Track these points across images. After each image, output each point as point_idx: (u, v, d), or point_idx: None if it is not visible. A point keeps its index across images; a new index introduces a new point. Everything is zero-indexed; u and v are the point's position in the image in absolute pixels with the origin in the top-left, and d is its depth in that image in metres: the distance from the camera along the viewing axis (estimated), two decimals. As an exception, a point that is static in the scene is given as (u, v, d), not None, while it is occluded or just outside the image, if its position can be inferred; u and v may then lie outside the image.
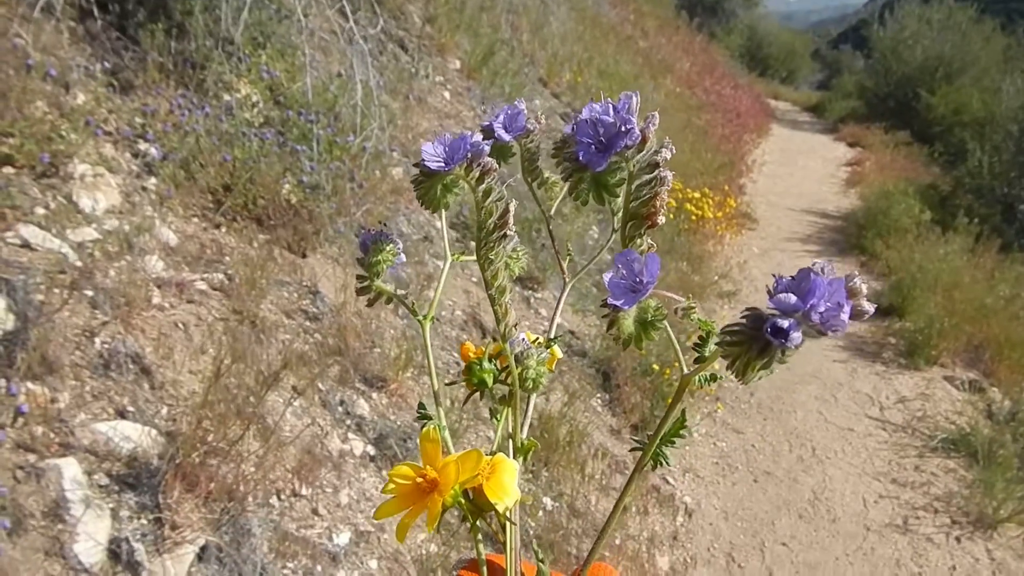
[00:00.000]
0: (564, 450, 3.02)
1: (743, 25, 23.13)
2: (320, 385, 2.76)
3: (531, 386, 0.62)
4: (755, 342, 0.44)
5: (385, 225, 0.73)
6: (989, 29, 14.56)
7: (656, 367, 3.93)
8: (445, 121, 5.19)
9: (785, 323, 0.41)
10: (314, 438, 2.53)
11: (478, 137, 0.57)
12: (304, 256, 3.30)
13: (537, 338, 0.66)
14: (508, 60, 6.79)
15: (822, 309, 0.41)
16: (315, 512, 2.33)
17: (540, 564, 0.57)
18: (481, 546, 0.60)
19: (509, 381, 0.62)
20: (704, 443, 3.90)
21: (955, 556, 3.32)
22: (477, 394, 0.67)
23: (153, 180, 3.08)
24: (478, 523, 0.58)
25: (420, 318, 0.67)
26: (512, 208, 0.58)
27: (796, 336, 0.41)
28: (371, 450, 2.68)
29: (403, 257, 0.70)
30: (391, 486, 0.57)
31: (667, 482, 3.44)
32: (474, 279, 4.05)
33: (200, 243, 2.98)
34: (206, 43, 3.56)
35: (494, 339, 0.66)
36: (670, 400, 0.57)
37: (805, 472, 3.79)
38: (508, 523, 0.59)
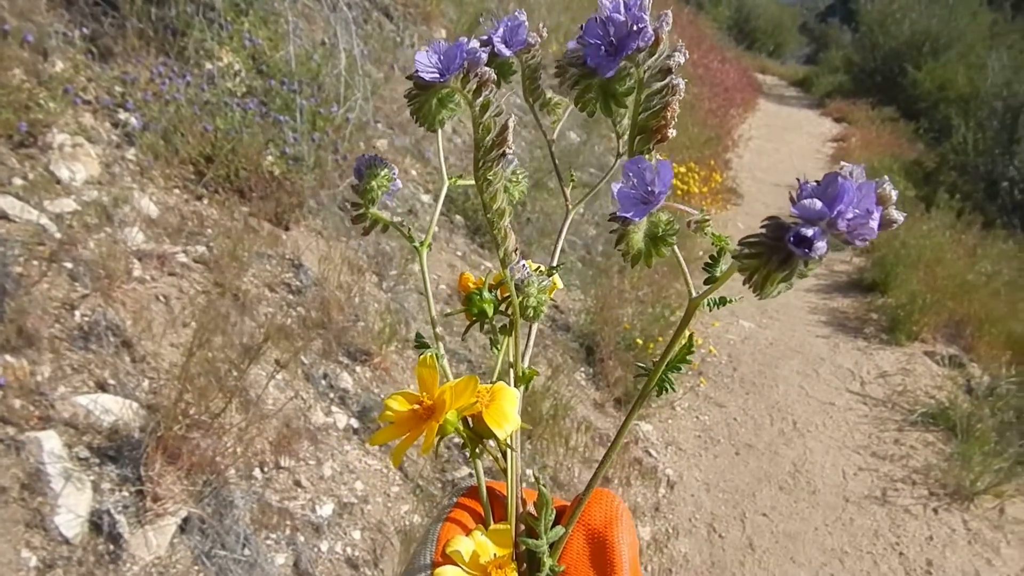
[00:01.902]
0: (548, 424, 3.03)
1: (731, -2, 22.98)
2: (303, 358, 2.75)
3: (532, 315, 0.61)
4: (776, 253, 0.41)
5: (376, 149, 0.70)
6: (976, 4, 14.54)
7: (640, 341, 3.95)
8: (430, 93, 5.13)
9: (809, 231, 0.38)
10: (297, 411, 2.52)
11: (475, 43, 0.53)
12: (287, 229, 3.27)
13: (539, 266, 0.64)
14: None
15: (850, 216, 0.38)
16: (298, 484, 2.33)
17: (542, 489, 0.57)
18: (482, 473, 0.60)
19: (510, 311, 0.61)
20: (687, 417, 3.93)
21: (932, 527, 3.38)
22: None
23: (133, 150, 3.03)
24: (477, 450, 0.58)
25: (416, 245, 0.65)
26: (512, 124, 0.54)
27: (821, 246, 0.38)
28: (354, 423, 2.68)
29: (399, 183, 0.67)
30: (388, 413, 0.57)
31: (649, 455, 3.47)
32: (458, 253, 4.04)
33: (181, 215, 2.95)
34: (187, 9, 3.49)
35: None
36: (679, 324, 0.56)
37: (786, 445, 3.83)
38: (509, 450, 0.59)
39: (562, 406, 3.13)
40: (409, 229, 0.66)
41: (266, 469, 2.32)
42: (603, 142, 6.99)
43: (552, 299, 0.70)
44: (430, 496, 2.57)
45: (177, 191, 3.07)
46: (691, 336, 0.55)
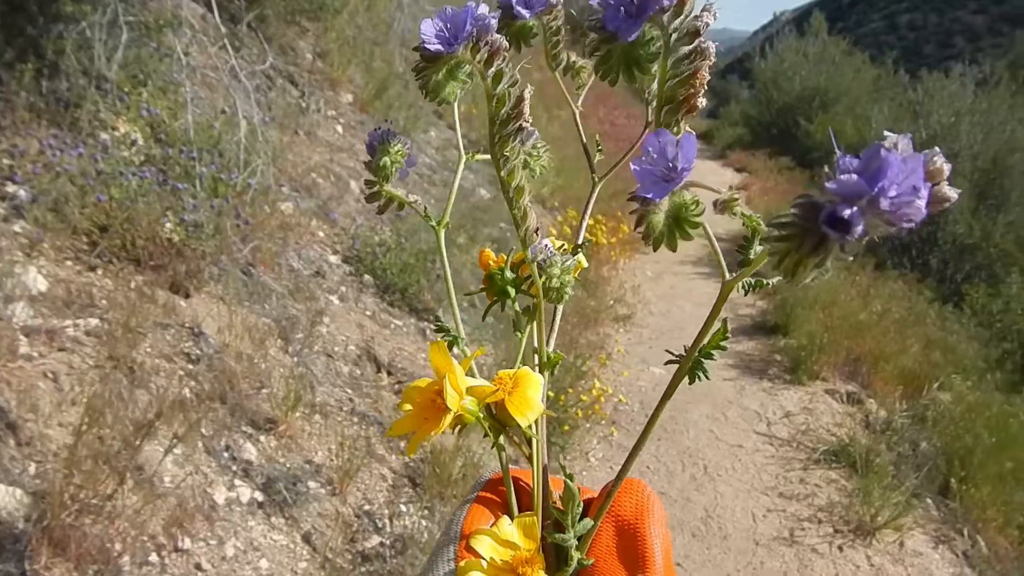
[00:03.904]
0: (458, 484, 3.02)
1: (635, 56, 23.88)
2: (203, 430, 2.68)
3: (555, 296, 0.57)
4: (809, 236, 0.36)
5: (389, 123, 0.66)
6: (859, 61, 15.56)
7: (551, 394, 3.99)
8: (337, 154, 5.16)
9: (846, 212, 0.34)
10: (196, 488, 2.45)
11: (483, 8, 0.49)
12: (187, 296, 3.21)
13: (562, 244, 0.61)
14: (402, 93, 6.82)
15: (893, 194, 0.33)
16: (198, 567, 2.25)
17: (568, 482, 0.53)
18: (506, 462, 0.57)
19: (533, 291, 0.58)
20: (601, 467, 3.97)
21: (838, 564, 3.48)
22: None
23: (21, 223, 2.94)
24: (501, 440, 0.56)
25: (434, 224, 0.62)
26: (528, 94, 0.51)
27: (859, 228, 0.34)
28: (259, 496, 2.61)
29: (415, 158, 0.64)
30: (407, 405, 0.54)
31: (564, 509, 3.48)
32: (368, 313, 4.02)
33: (73, 287, 2.86)
34: (80, 82, 3.44)
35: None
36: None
37: (698, 491, 3.91)
38: (534, 439, 0.56)
39: (473, 465, 3.12)
40: (425, 207, 0.63)
41: (163, 553, 2.23)
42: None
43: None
44: (339, 568, 2.51)
45: (69, 263, 2.98)
46: (725, 322, 0.51)
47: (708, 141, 18.15)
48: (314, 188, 4.57)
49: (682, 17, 0.47)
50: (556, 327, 0.62)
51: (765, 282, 0.52)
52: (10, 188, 3.02)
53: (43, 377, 2.46)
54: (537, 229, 0.56)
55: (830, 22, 16.99)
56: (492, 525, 0.55)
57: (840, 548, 3.59)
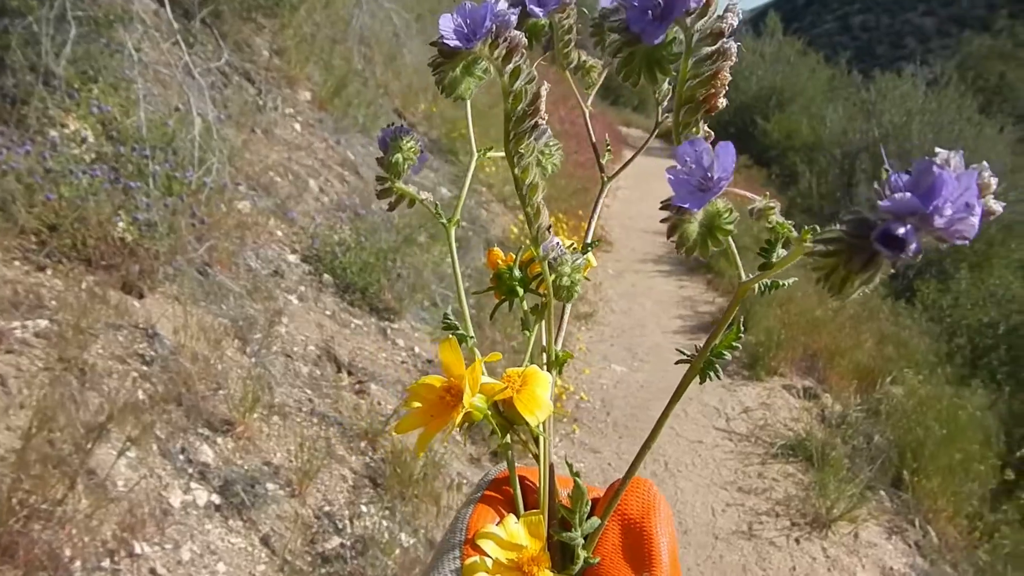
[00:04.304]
0: (419, 484, 3.01)
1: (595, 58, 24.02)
2: (158, 432, 2.63)
3: (565, 295, 0.58)
4: (858, 253, 0.37)
5: (402, 119, 0.63)
6: (814, 62, 15.85)
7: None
8: (295, 152, 5.10)
9: (901, 229, 0.34)
10: (151, 491, 2.40)
11: (503, 4, 0.49)
12: (141, 297, 3.14)
13: (572, 243, 0.61)
14: (361, 91, 6.76)
15: (949, 212, 0.33)
16: (152, 572, 2.21)
17: (576, 478, 0.54)
18: (513, 460, 0.57)
19: (542, 290, 0.58)
20: (562, 466, 3.99)
21: (795, 557, 3.54)
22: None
23: (-35, 223, 2.86)
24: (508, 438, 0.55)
25: (444, 221, 0.62)
26: (544, 92, 0.51)
27: (914, 246, 0.34)
28: (216, 499, 2.57)
29: (426, 155, 0.64)
30: (414, 403, 0.53)
31: (526, 507, 3.49)
32: (327, 312, 3.99)
33: (21, 288, 2.79)
34: (27, 78, 3.35)
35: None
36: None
37: (659, 487, 3.93)
38: (541, 437, 0.56)
39: (434, 464, 3.11)
40: (436, 204, 0.62)
41: (116, 558, 2.18)
42: (474, 196, 7.11)
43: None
44: (298, 571, 2.49)
45: (17, 263, 2.90)
46: (740, 321, 0.52)
47: (669, 140, 18.30)
48: (272, 187, 4.51)
49: (706, 18, 0.48)
50: (564, 325, 0.63)
51: (781, 283, 0.51)
52: (-46, 186, 2.93)
53: (-11, 380, 2.39)
54: (549, 227, 0.56)
55: (785, 23, 17.31)
56: (498, 524, 0.55)
57: (797, 540, 3.65)
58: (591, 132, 0.66)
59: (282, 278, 3.98)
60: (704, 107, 0.50)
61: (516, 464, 0.58)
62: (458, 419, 0.51)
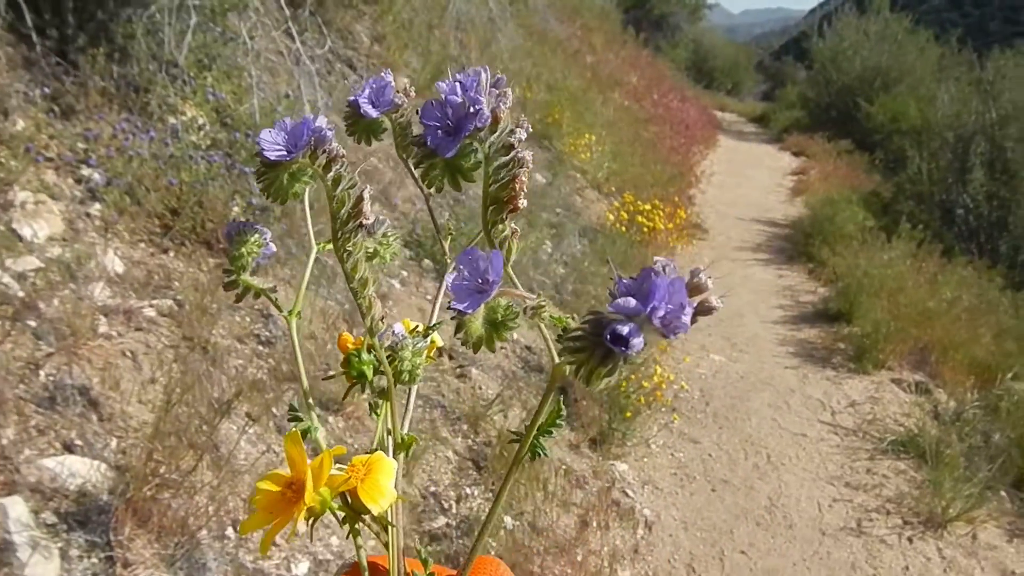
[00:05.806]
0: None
1: (688, 39, 23.58)
2: (275, 411, 2.72)
3: (407, 378, 0.60)
4: (597, 349, 0.41)
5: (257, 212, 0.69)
6: (923, 39, 15.05)
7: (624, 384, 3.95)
8: (396, 139, 5.17)
9: (625, 329, 0.39)
10: (270, 466, 2.48)
11: (321, 121, 0.54)
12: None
13: (416, 326, 0.64)
14: (458, 77, 6.80)
15: (662, 313, 0.39)
16: (272, 542, 2.29)
17: (425, 562, 0.56)
18: (363, 551, 0.57)
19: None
20: (662, 454, 3.94)
21: (908, 556, 3.39)
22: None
23: (97, 206, 3.01)
24: (358, 527, 0.56)
25: (285, 315, 0.64)
26: (367, 195, 0.55)
27: (637, 342, 0.39)
28: (329, 475, 2.64)
29: (271, 248, 0.67)
30: (258, 497, 0.53)
31: (627, 495, 3.46)
32: (428, 297, 4.04)
33: (147, 269, 2.92)
34: (149, 67, 3.50)
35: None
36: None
37: (761, 479, 3.85)
38: (389, 525, 0.57)
39: (537, 449, 3.11)
40: (277, 298, 0.66)
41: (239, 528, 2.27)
42: (569, 182, 7.08)
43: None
44: (406, 548, 2.53)
45: (143, 245, 3.04)
46: (560, 401, 0.56)
47: (764, 124, 17.79)
48: (374, 173, 4.60)
49: (497, 133, 0.53)
50: (410, 408, 0.64)
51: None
52: (85, 171, 3.09)
53: (122, 356, 2.51)
54: (383, 318, 0.58)
55: None
56: None
57: (910, 540, 3.50)
58: (434, 218, 0.71)
59: (384, 263, 4.05)
60: (508, 207, 0.54)
61: (369, 554, 0.59)
62: (300, 516, 0.50)
